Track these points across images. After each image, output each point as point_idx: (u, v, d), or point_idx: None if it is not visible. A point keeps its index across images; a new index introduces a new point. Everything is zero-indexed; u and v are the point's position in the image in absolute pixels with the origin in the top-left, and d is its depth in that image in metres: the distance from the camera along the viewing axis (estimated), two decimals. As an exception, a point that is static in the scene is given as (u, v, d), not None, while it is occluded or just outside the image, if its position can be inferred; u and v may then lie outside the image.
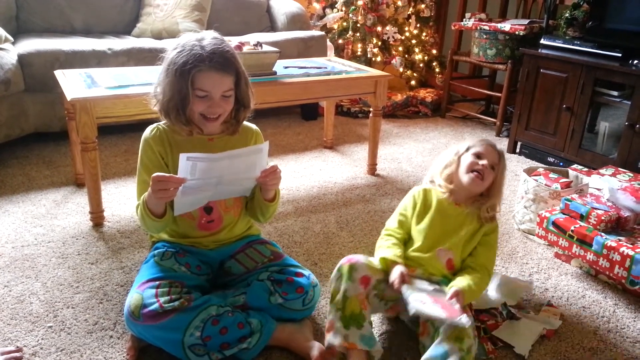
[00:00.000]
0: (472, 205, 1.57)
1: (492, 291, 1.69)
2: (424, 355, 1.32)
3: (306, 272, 1.49)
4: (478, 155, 1.57)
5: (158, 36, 3.22)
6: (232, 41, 2.01)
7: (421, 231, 1.56)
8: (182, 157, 1.25)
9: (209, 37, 1.39)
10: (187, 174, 1.28)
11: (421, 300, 1.36)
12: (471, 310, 1.57)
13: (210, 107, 1.38)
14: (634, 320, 1.65)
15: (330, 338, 1.37)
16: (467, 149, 1.60)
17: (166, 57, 1.40)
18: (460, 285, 1.44)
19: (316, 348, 1.39)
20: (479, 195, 1.59)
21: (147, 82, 1.99)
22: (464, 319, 1.31)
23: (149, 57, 2.78)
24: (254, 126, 1.59)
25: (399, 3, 3.78)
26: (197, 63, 1.32)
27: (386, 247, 1.53)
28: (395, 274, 1.45)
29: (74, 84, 1.99)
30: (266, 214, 1.53)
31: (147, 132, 1.48)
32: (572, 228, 1.82)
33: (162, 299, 1.31)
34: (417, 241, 1.56)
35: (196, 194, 1.35)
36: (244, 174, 1.38)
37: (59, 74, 2.14)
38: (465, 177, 1.56)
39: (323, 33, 3.56)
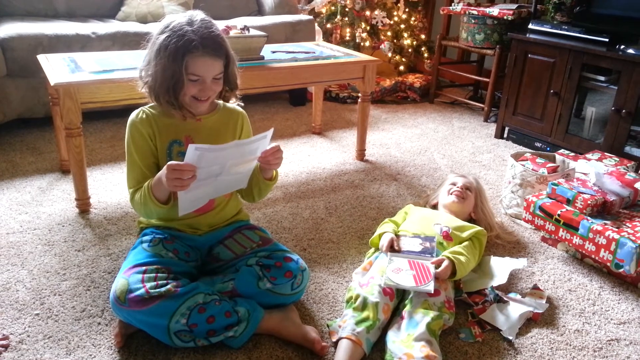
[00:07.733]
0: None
1: (483, 272, 1.72)
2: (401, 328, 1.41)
3: (295, 256, 1.49)
4: (453, 183, 1.94)
5: (143, 20, 3.16)
6: (219, 25, 1.98)
7: (414, 217, 1.82)
8: (191, 147, 1.24)
9: (198, 19, 1.37)
10: (194, 163, 1.27)
11: (399, 267, 1.54)
12: (460, 287, 1.60)
13: (201, 90, 1.39)
14: (619, 303, 1.67)
15: (336, 327, 1.43)
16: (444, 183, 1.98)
17: (154, 40, 1.38)
18: (452, 256, 1.57)
19: (313, 331, 1.40)
20: (470, 221, 1.86)
21: (131, 67, 1.96)
22: (430, 286, 1.46)
23: (133, 41, 2.74)
24: (239, 108, 1.59)
25: (388, -13, 3.76)
26: (191, 49, 1.32)
27: (381, 227, 1.77)
28: (384, 240, 1.65)
29: (57, 68, 1.95)
30: (263, 192, 1.55)
31: (133, 116, 1.46)
32: (559, 212, 1.84)
33: (148, 285, 1.30)
34: (412, 223, 1.77)
35: (198, 187, 1.34)
36: (246, 157, 1.39)
37: (42, 58, 2.09)
38: (447, 200, 1.88)
39: (311, 17, 3.52)
